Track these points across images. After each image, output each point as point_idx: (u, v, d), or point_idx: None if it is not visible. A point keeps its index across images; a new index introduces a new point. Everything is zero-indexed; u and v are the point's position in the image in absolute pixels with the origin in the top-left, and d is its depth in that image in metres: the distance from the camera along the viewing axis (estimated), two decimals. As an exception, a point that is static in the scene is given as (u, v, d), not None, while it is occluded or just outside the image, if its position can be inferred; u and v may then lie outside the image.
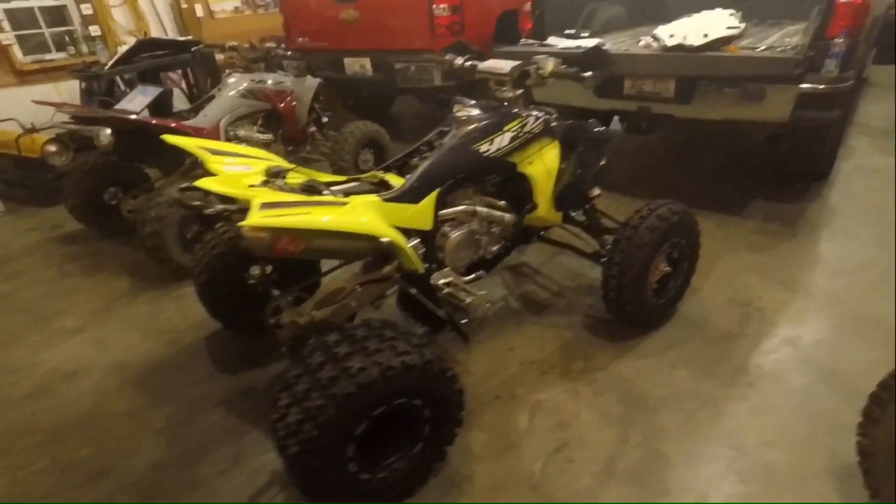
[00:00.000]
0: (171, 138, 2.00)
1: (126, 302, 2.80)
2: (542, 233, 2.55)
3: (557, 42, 3.51)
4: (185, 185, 1.64)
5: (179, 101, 4.60)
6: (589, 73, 1.92)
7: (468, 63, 2.29)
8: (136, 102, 3.17)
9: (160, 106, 3.45)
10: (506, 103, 2.14)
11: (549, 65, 1.98)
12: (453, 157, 1.99)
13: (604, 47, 2.51)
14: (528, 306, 2.57)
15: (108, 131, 2.85)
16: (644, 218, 2.11)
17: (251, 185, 1.68)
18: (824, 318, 2.35)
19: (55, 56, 4.92)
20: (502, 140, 2.07)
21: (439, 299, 1.80)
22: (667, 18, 4.59)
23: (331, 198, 1.70)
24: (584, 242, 2.53)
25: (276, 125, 3.81)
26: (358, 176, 2.06)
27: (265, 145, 3.70)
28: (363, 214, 1.62)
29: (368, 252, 1.80)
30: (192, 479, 1.73)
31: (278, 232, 1.48)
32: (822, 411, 1.85)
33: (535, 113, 2.16)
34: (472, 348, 2.23)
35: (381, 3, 4.43)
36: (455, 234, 2.10)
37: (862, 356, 2.10)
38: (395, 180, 2.01)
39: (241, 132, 3.58)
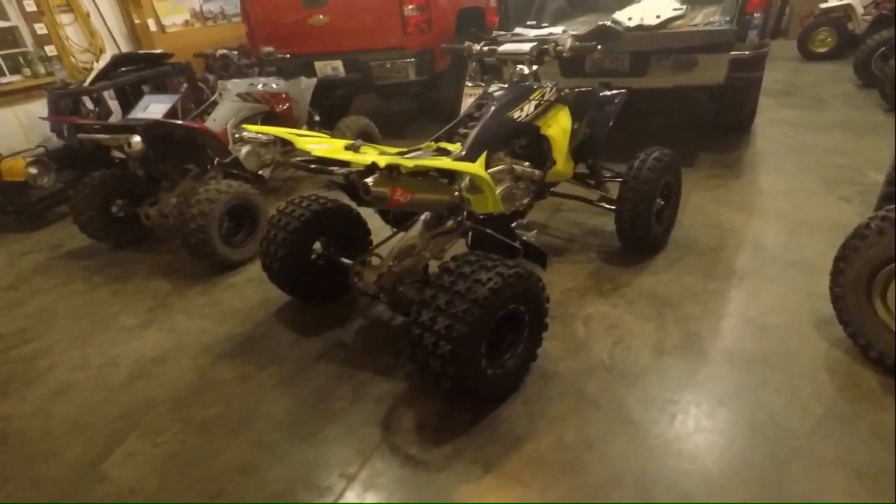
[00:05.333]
0: (256, 128, 2.24)
1: (178, 298, 2.94)
2: (552, 189, 3.02)
3: (527, 32, 4.00)
4: (302, 158, 1.92)
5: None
6: (600, 46, 2.40)
7: (486, 48, 2.70)
8: (151, 111, 3.28)
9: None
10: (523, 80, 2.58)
11: (568, 42, 2.44)
12: (495, 123, 2.39)
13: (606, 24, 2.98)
14: (549, 252, 2.99)
15: (138, 138, 2.97)
16: (644, 161, 2.62)
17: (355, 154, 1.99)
18: (777, 228, 2.99)
19: (10, 79, 4.75)
20: (529, 107, 2.50)
21: (515, 233, 2.20)
22: (597, 8, 5.28)
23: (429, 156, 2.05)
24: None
25: (273, 125, 4.01)
26: (418, 146, 2.40)
27: (264, 146, 3.91)
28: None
29: (447, 206, 2.17)
30: (328, 411, 2.01)
31: (395, 185, 1.83)
32: (797, 287, 2.45)
33: (549, 84, 2.61)
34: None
35: (351, 6, 4.72)
36: (498, 190, 2.50)
37: (811, 248, 2.74)
38: (451, 146, 2.38)
39: (245, 134, 3.76)
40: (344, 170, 1.84)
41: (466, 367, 1.72)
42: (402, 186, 1.87)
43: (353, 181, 1.86)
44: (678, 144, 4.46)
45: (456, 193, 2.17)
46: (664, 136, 4.77)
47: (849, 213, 3.03)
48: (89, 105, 4.81)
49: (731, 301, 2.41)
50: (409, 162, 1.74)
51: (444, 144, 2.43)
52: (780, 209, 3.21)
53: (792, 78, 6.31)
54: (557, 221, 3.37)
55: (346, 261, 2.52)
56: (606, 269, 2.79)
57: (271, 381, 2.21)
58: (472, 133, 2.32)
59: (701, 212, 3.25)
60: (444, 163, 1.88)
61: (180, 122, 3.10)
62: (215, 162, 3.44)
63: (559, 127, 2.66)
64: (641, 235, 2.68)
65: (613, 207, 2.79)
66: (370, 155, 1.97)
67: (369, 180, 1.78)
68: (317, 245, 2.60)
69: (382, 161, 1.73)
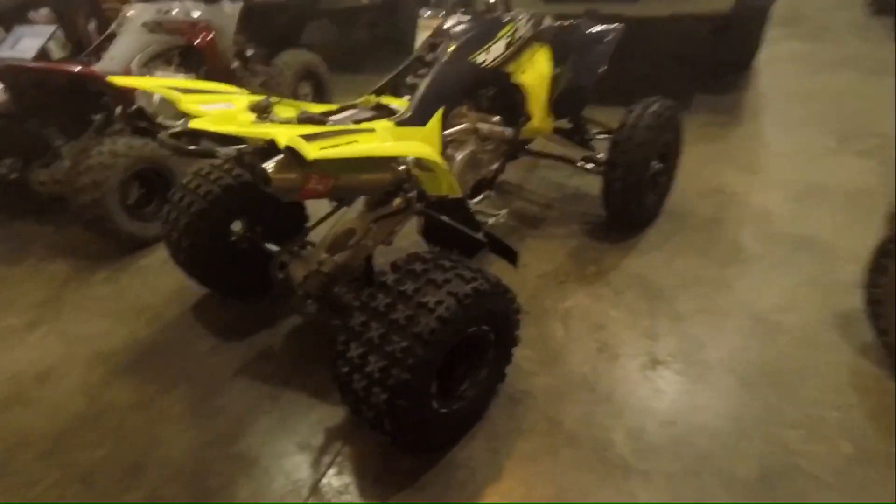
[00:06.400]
0: (125, 80, 1.65)
1: (76, 287, 2.43)
2: (527, 146, 2.51)
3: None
4: (174, 129, 1.37)
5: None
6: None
7: (443, -34, 2.08)
8: (22, 48, 2.57)
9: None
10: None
11: (548, -43, 1.84)
12: (452, 71, 1.84)
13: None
14: (524, 223, 2.56)
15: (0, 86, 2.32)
16: (640, 117, 2.12)
17: (253, 123, 1.45)
18: (786, 193, 2.57)
19: None
20: (497, 48, 1.94)
21: (478, 221, 1.73)
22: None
23: (358, 126, 1.52)
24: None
25: (196, 63, 3.32)
26: (352, 102, 1.85)
27: (187, 89, 3.23)
28: (402, 140, 1.48)
29: (389, 184, 1.66)
30: (241, 455, 1.60)
31: (308, 171, 1.31)
32: (811, 274, 2.06)
33: (524, 16, 2.03)
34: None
35: None
36: (459, 156, 2.00)
37: (827, 221, 2.34)
38: (396, 102, 1.84)
39: (159, 74, 3.07)
40: (233, 149, 1.30)
41: (409, 418, 1.31)
42: (319, 171, 1.35)
43: (249, 165, 1.34)
44: (669, 84, 3.92)
45: (401, 168, 1.66)
46: (653, 73, 4.21)
47: (868, 175, 2.62)
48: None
49: (734, 293, 2.02)
50: (319, 150, 1.19)
51: (386, 99, 1.89)
52: (788, 169, 2.78)
53: (796, 2, 5.65)
54: (534, 182, 2.89)
55: (273, 247, 2.03)
56: (590, 246, 2.36)
57: (176, 408, 1.78)
58: (422, 85, 1.77)
59: (698, 172, 2.79)
60: (375, 148, 1.35)
61: (46, 65, 2.42)
62: (118, 112, 2.79)
63: (536, 73, 2.11)
64: (633, 209, 2.23)
65: (600, 170, 2.32)
66: (275, 125, 1.44)
67: (269, 166, 1.27)
68: (237, 226, 2.09)
69: (283, 139, 1.21)
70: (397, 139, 1.62)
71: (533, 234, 2.47)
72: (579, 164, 2.45)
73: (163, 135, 1.35)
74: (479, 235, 1.67)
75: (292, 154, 1.26)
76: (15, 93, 2.36)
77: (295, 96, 3.54)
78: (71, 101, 2.77)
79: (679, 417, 1.59)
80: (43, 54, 2.60)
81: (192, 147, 1.29)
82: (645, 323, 1.93)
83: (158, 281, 2.41)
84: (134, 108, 2.75)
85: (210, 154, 1.29)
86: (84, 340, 2.11)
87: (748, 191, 2.63)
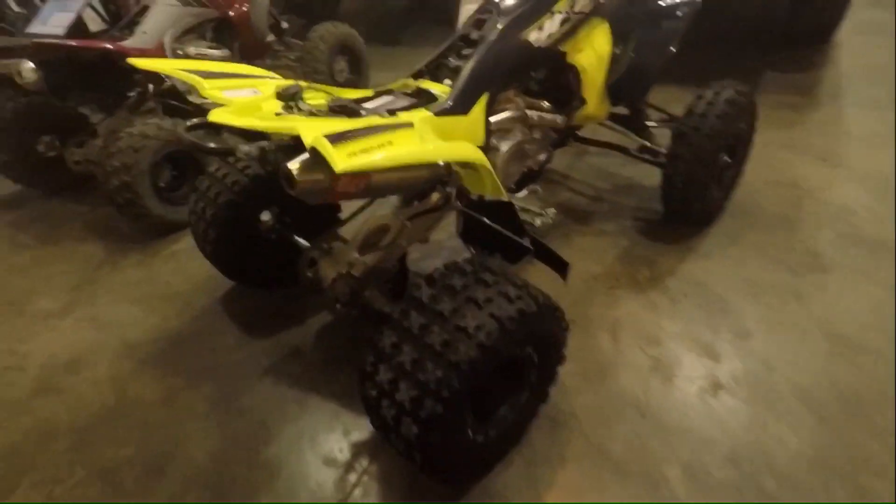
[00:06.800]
0: (144, 62, 1.54)
1: (109, 270, 2.40)
2: (577, 133, 2.30)
3: None
4: (193, 121, 1.25)
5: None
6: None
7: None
8: (53, 23, 2.50)
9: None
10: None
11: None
12: (501, 53, 1.65)
13: None
14: (569, 216, 2.37)
15: (31, 64, 2.25)
16: (712, 104, 1.87)
17: (279, 114, 1.32)
18: (870, 189, 2.29)
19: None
20: (552, 24, 1.73)
21: (523, 225, 1.55)
22: None
23: (393, 119, 1.36)
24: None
25: (229, 37, 3.20)
26: (387, 87, 1.69)
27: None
28: (443, 132, 1.33)
29: (427, 182, 1.51)
30: (265, 462, 1.53)
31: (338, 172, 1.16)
32: (902, 288, 1.81)
33: (581, -13, 1.80)
34: (525, 270, 2.04)
35: None
36: (505, 147, 1.82)
37: (922, 225, 2.06)
38: (436, 87, 1.66)
39: (192, 49, 2.97)
40: (254, 146, 1.17)
41: (441, 450, 1.19)
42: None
43: (273, 164, 1.21)
44: (735, 60, 3.56)
45: (441, 163, 1.50)
46: (718, 47, 3.83)
47: (973, 171, 2.29)
48: (15, 8, 3.95)
49: (809, 306, 1.80)
50: (347, 157, 1.04)
51: (425, 83, 1.71)
52: (872, 160, 2.46)
53: (883, -35, 5.05)
54: (581, 170, 2.68)
55: (302, 241, 1.92)
56: (643, 246, 2.15)
57: (201, 405, 1.72)
58: (466, 69, 1.59)
59: (769, 161, 2.52)
60: (411, 153, 1.17)
61: (75, 42, 2.33)
62: (150, 90, 2.72)
63: (594, 52, 1.89)
64: (695, 206, 2.01)
65: (660, 162, 2.09)
66: (302, 118, 1.30)
67: (294, 165, 1.13)
68: (266, 216, 1.98)
69: (309, 137, 1.07)
70: (437, 132, 1.45)
71: (579, 229, 2.28)
72: (635, 154, 2.23)
73: (180, 128, 1.23)
74: (526, 242, 1.50)
75: (319, 153, 1.12)
76: (48, 70, 2.29)
77: (330, 71, 3.39)
78: (107, 77, 2.70)
79: (743, 454, 1.41)
80: (77, 28, 2.52)
81: (210, 145, 1.16)
82: (705, 339, 1.74)
83: (189, 267, 2.35)
84: (165, 86, 2.69)
85: (229, 153, 1.17)
86: (115, 328, 2.08)
87: (826, 185, 2.34)
